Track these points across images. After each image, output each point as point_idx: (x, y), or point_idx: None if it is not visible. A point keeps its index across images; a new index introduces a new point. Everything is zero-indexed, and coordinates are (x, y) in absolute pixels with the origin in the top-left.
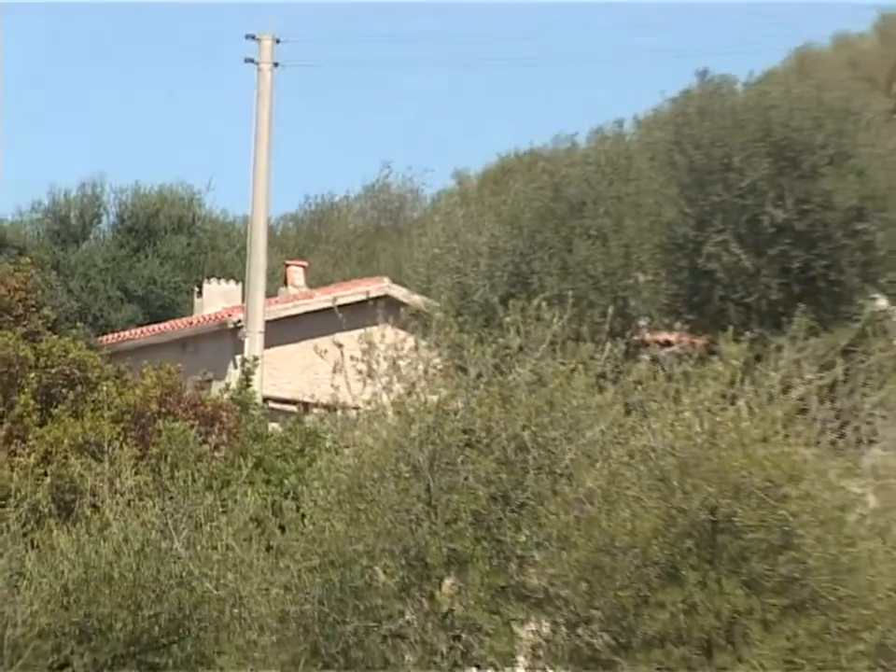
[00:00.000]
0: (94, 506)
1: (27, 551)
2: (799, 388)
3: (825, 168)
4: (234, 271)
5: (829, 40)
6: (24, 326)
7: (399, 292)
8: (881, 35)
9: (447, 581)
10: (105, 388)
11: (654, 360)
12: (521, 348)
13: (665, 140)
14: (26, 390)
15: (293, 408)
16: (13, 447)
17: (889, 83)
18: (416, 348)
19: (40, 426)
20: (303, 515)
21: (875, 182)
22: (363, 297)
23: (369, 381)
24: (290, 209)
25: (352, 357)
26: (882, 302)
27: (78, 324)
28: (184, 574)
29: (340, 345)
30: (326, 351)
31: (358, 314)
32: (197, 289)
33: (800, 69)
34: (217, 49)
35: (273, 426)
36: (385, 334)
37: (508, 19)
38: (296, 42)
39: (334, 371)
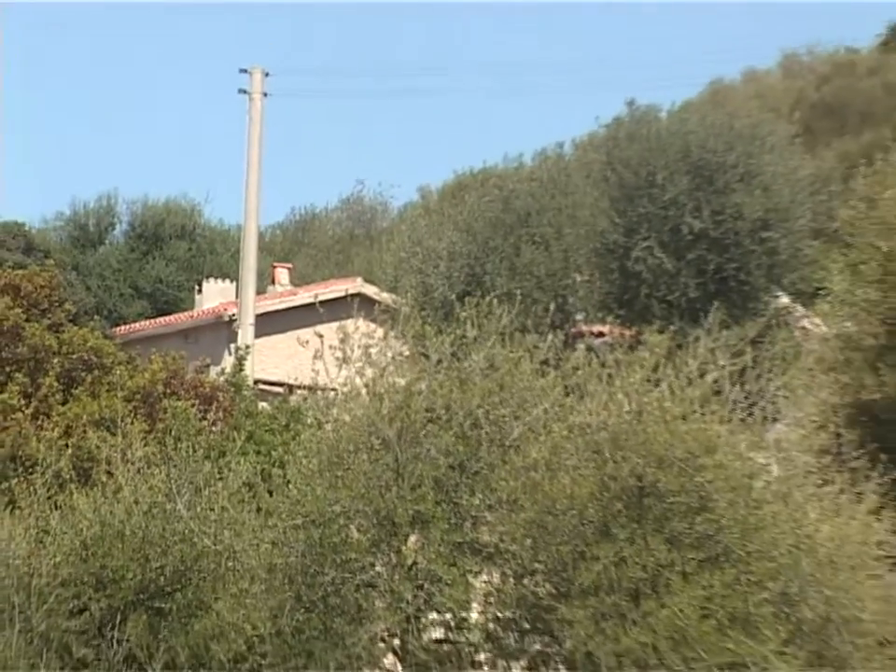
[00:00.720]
0: (109, 473)
1: (51, 511)
2: (714, 373)
3: (736, 184)
4: (229, 271)
5: (739, 75)
6: (49, 318)
7: (370, 290)
8: (784, 70)
9: (412, 538)
10: (118, 372)
11: (589, 349)
12: (475, 338)
13: (599, 160)
14: (50, 373)
15: (280, 389)
16: (39, 423)
17: (791, 112)
18: (385, 338)
19: (62, 404)
20: (289, 481)
21: (778, 197)
22: (340, 294)
23: (344, 366)
24: (278, 218)
25: (330, 346)
26: (784, 300)
27: (95, 317)
28: (186, 532)
29: (320, 336)
30: (307, 341)
31: (336, 308)
32: (197, 287)
33: (714, 100)
34: (216, 81)
35: (263, 405)
36: (359, 326)
37: (467, 53)
38: (284, 74)
39: (315, 358)
